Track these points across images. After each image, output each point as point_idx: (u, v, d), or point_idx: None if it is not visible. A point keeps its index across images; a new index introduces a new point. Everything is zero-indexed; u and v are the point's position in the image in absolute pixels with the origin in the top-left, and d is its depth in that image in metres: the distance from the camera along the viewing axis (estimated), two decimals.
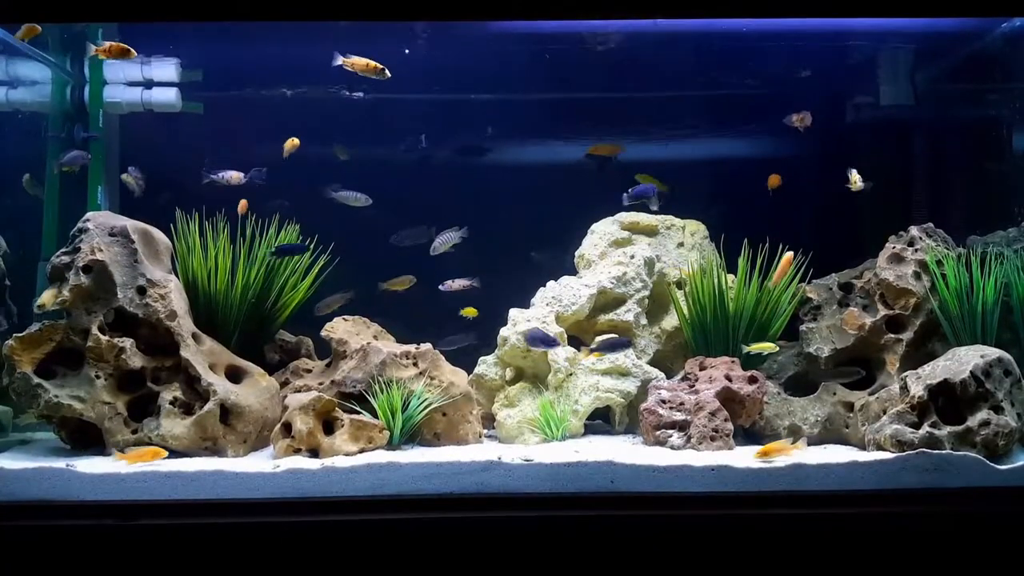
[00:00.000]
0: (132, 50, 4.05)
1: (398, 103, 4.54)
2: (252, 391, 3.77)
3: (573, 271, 4.53)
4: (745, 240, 4.22)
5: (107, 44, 4.07)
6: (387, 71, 4.10)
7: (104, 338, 3.60)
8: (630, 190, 4.31)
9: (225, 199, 4.25)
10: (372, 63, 4.12)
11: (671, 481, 3.18)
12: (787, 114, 4.55)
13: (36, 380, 3.56)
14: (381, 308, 4.44)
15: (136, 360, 3.64)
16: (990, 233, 4.21)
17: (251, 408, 3.67)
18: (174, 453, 3.52)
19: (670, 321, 4.44)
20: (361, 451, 3.53)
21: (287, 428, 3.55)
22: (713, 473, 3.20)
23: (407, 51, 4.64)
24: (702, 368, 3.98)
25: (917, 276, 3.97)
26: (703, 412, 3.71)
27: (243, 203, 4.25)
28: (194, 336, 3.77)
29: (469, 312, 4.46)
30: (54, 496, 3.08)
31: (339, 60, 4.14)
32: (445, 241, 4.48)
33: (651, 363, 4.26)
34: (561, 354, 4.09)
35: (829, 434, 3.97)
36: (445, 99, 4.97)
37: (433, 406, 3.73)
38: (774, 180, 4.54)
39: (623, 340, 4.09)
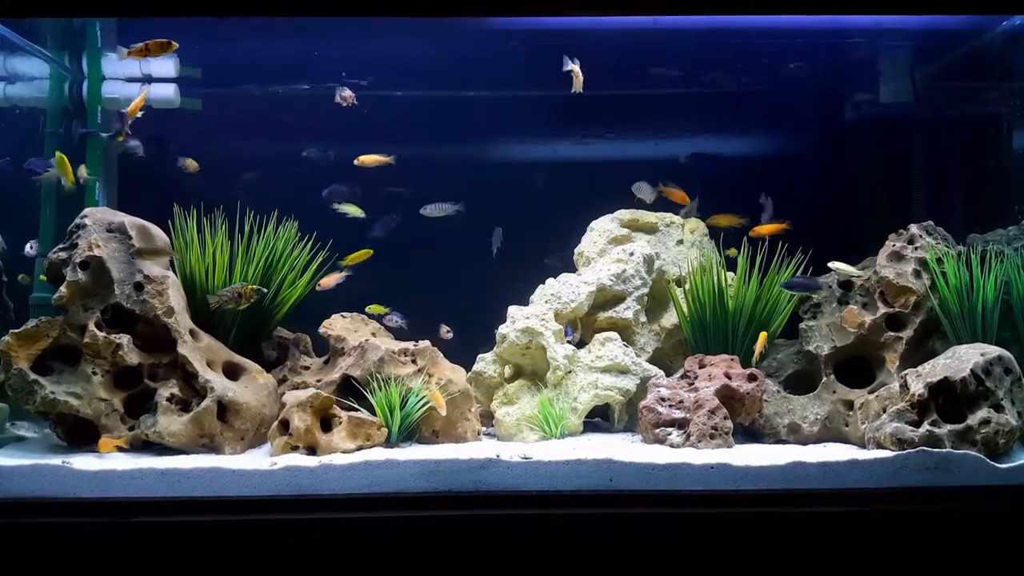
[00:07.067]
0: (173, 42, 3.83)
1: (397, 100, 4.51)
2: (250, 388, 3.76)
3: (572, 268, 4.52)
4: (744, 238, 4.21)
5: (141, 44, 3.80)
6: None
7: (101, 334, 3.59)
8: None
9: (223, 196, 4.24)
10: None
11: (670, 479, 3.17)
12: (788, 111, 4.49)
13: (32, 376, 3.54)
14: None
15: (133, 356, 3.63)
16: (990, 231, 4.20)
17: (248, 405, 3.66)
18: (171, 450, 3.51)
19: (669, 319, 4.43)
20: (359, 448, 3.52)
21: (285, 425, 3.53)
22: (712, 471, 3.19)
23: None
24: (701, 366, 3.97)
25: (917, 274, 3.96)
26: (702, 410, 3.70)
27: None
28: (192, 332, 3.75)
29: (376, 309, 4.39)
30: (50, 493, 3.07)
31: (569, 66, 4.00)
32: (438, 208, 4.37)
33: (650, 361, 4.25)
34: (560, 351, 4.07)
35: (829, 432, 3.96)
36: (444, 96, 4.95)
37: (431, 403, 3.72)
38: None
39: (815, 283, 4.02)
